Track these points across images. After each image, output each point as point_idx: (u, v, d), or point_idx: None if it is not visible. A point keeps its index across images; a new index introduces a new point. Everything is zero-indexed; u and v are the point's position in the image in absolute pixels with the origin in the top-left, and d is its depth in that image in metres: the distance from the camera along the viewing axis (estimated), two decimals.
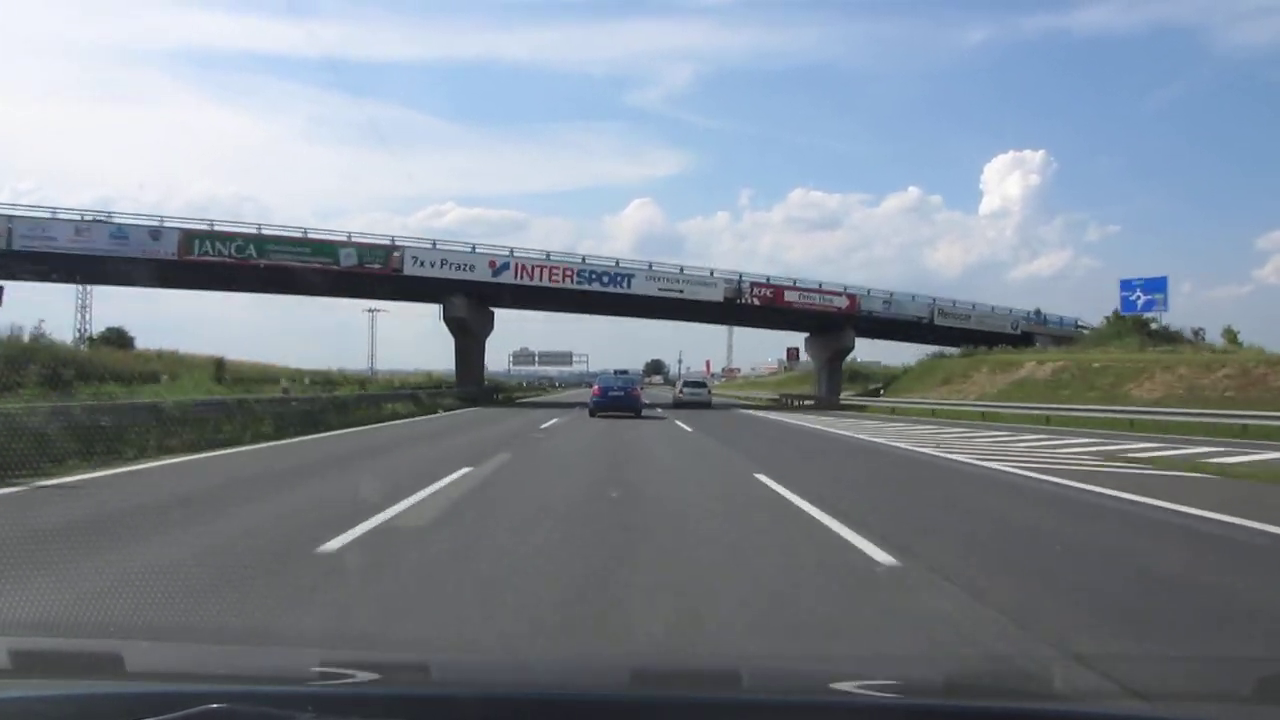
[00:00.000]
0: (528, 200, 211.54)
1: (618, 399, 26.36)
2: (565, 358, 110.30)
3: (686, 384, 44.05)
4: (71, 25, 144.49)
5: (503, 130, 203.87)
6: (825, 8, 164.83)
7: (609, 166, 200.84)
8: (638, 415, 26.32)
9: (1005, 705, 1.82)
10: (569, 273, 40.83)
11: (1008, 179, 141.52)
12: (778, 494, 9.09)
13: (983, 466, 12.81)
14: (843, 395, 46.81)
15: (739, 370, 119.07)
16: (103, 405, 12.82)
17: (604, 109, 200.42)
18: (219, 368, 32.32)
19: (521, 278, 40.00)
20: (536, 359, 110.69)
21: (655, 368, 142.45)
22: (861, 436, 20.25)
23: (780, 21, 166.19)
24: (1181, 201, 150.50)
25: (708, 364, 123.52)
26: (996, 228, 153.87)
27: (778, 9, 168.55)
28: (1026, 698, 1.97)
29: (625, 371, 42.62)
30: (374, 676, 2.10)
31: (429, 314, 40.57)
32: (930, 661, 3.05)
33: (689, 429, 21.62)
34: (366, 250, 38.57)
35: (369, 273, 38.27)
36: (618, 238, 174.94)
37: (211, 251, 36.30)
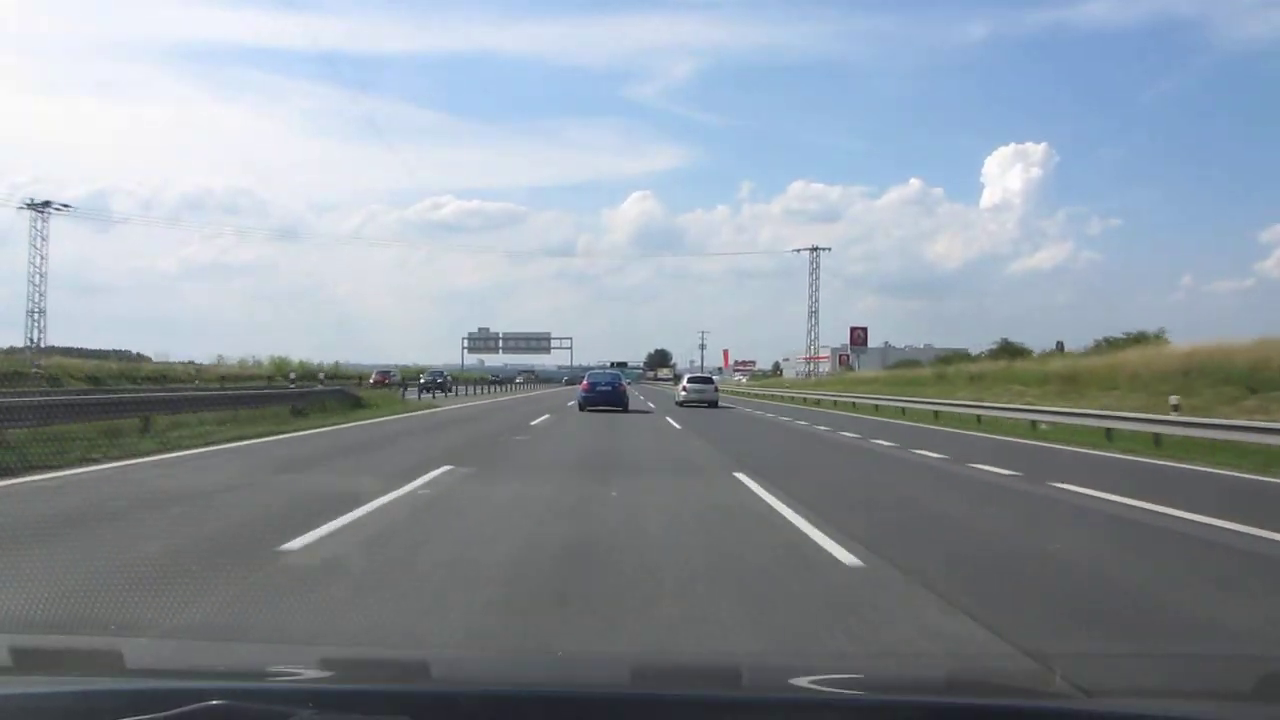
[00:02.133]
0: (526, 193, 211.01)
1: (605, 394, 28.69)
2: (541, 342, 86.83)
3: (690, 380, 40.33)
4: (69, 22, 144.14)
5: (501, 124, 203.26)
6: (827, 3, 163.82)
7: (608, 160, 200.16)
8: (624, 410, 28.09)
9: (1004, 703, 1.80)
10: None
11: (1009, 171, 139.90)
12: None
13: None
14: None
15: (754, 363, 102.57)
16: None
17: (603, 103, 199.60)
18: None
19: None
20: (500, 343, 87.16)
21: (660, 359, 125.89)
22: None
23: (781, 17, 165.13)
24: (1183, 195, 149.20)
25: (725, 354, 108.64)
26: (998, 220, 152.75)
27: (779, 4, 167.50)
28: (1024, 696, 1.97)
29: (624, 364, 42.34)
30: (374, 673, 2.09)
31: None
32: (925, 660, 2.98)
33: None
34: None
35: None
36: (617, 230, 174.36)
37: None
